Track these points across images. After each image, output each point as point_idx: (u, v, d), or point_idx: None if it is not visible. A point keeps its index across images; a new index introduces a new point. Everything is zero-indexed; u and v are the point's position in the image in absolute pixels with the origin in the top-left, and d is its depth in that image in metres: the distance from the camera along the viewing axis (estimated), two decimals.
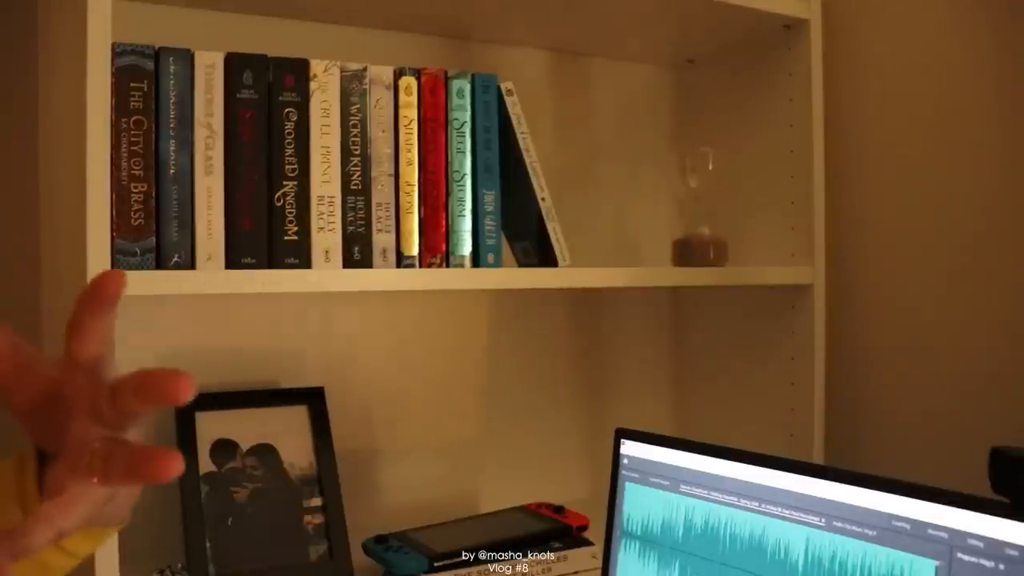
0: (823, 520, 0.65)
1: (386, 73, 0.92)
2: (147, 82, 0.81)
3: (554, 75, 1.29)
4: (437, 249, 0.94)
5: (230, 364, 1.06)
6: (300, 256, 0.87)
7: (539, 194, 1.00)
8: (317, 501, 0.98)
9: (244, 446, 0.98)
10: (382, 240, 0.91)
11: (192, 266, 0.83)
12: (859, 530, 0.63)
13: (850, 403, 1.20)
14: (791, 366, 1.18)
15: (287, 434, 1.00)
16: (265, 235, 0.86)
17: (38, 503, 0.44)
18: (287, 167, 0.87)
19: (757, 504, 0.69)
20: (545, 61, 1.29)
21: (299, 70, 0.88)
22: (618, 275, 1.02)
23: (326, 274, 0.86)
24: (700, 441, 0.76)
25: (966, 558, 0.57)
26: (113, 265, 0.77)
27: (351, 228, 0.90)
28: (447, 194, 0.95)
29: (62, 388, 0.43)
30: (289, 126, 0.87)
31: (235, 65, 0.85)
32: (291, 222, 0.87)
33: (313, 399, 1.03)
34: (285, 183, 0.87)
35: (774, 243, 1.20)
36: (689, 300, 1.38)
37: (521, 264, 1.09)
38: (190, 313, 1.04)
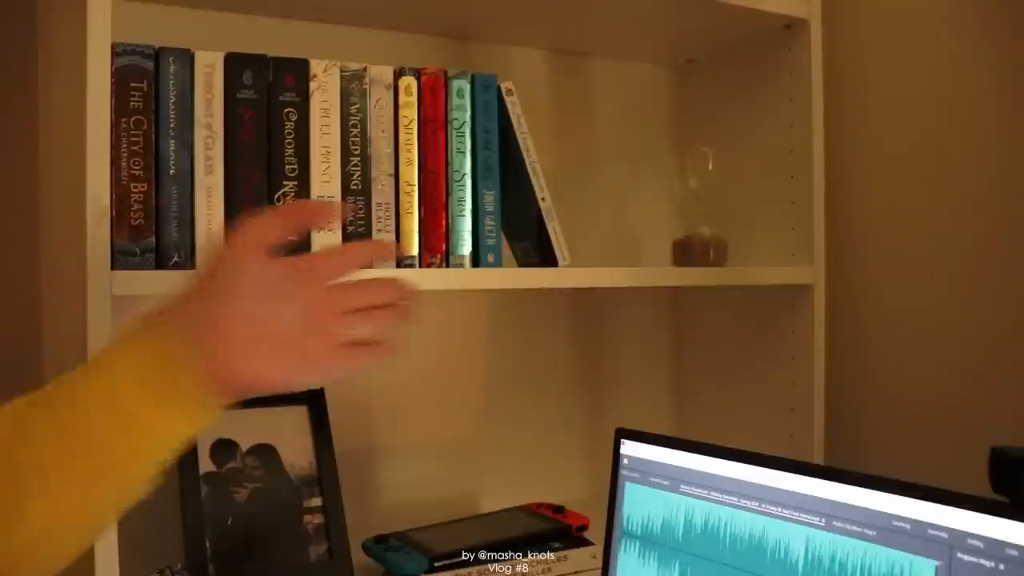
0: (823, 520, 0.65)
1: (386, 73, 0.92)
2: (147, 82, 0.81)
3: (554, 75, 1.29)
4: (437, 249, 0.94)
5: None
6: None
7: (539, 194, 1.00)
8: (317, 501, 0.97)
9: (244, 446, 0.98)
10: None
11: (192, 266, 0.83)
12: (859, 530, 0.63)
13: (850, 403, 1.20)
14: (791, 366, 1.18)
15: (287, 434, 1.00)
16: None
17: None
18: (287, 167, 0.87)
19: (757, 504, 0.69)
20: (545, 61, 1.29)
21: (299, 70, 0.88)
22: (618, 275, 1.02)
23: None
24: (700, 441, 0.76)
25: (966, 558, 0.57)
26: (113, 265, 0.77)
27: (351, 228, 0.90)
28: (447, 194, 0.95)
29: None
30: (289, 126, 0.87)
31: (235, 65, 0.85)
32: None
33: (313, 399, 1.03)
34: (285, 183, 0.87)
35: (774, 243, 1.20)
36: (689, 300, 1.38)
37: (521, 264, 1.08)
38: None
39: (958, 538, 0.58)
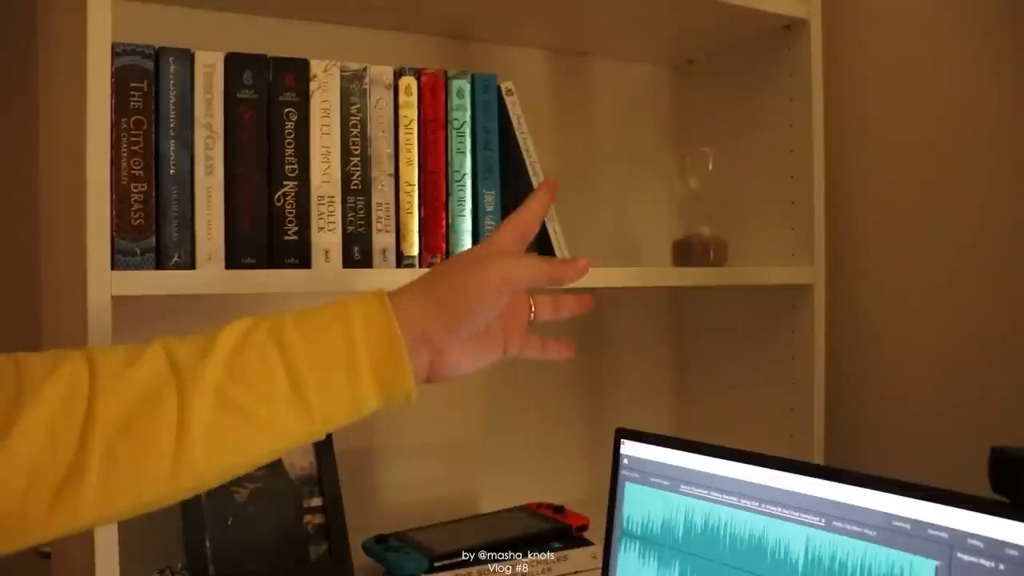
0: (823, 520, 0.65)
1: (386, 73, 0.92)
2: (147, 82, 0.81)
3: (554, 75, 1.29)
4: (437, 249, 0.94)
5: None
6: (300, 256, 0.87)
7: None
8: (317, 501, 0.97)
9: None
10: (382, 240, 0.91)
11: (192, 266, 0.83)
12: (859, 530, 0.63)
13: (850, 403, 1.20)
14: (791, 366, 1.18)
15: None
16: (265, 235, 0.86)
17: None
18: (287, 167, 0.87)
19: (757, 504, 0.69)
20: (545, 61, 1.29)
21: (299, 70, 0.88)
22: (618, 275, 1.02)
23: (326, 274, 0.86)
24: (700, 441, 0.76)
25: (966, 558, 0.57)
26: (113, 265, 0.77)
27: (351, 228, 0.90)
28: (447, 194, 0.95)
29: None
30: (289, 126, 0.87)
31: (235, 65, 0.85)
32: (291, 222, 0.87)
33: None
34: (285, 183, 0.87)
35: (774, 243, 1.20)
36: (689, 300, 1.38)
37: None
38: (190, 313, 1.04)
39: (958, 538, 0.58)
